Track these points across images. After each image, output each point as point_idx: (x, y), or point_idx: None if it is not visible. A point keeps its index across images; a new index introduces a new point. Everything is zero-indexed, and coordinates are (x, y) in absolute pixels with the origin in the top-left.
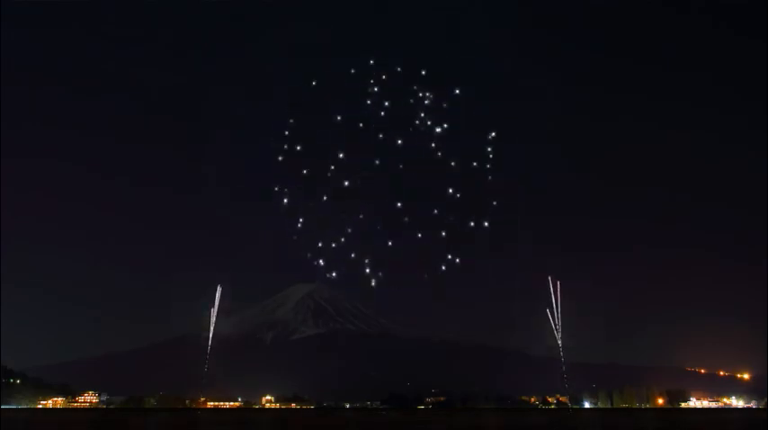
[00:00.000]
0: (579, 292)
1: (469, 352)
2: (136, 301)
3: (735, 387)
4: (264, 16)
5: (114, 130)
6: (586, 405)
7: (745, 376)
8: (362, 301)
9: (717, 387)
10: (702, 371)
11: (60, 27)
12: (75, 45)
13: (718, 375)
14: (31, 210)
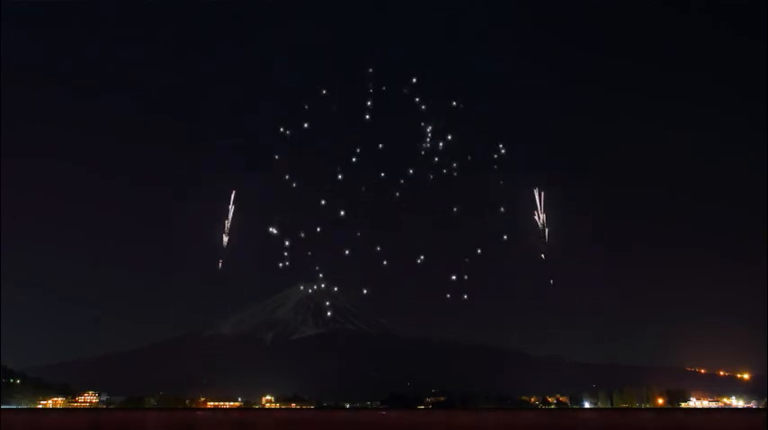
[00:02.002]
0: (578, 292)
1: (469, 352)
2: (136, 301)
3: (735, 387)
4: (264, 16)
5: (114, 130)
6: (586, 405)
7: (745, 376)
8: (362, 302)
9: (717, 387)
10: (702, 371)
11: (60, 27)
12: (75, 45)
13: (718, 375)
14: (31, 210)
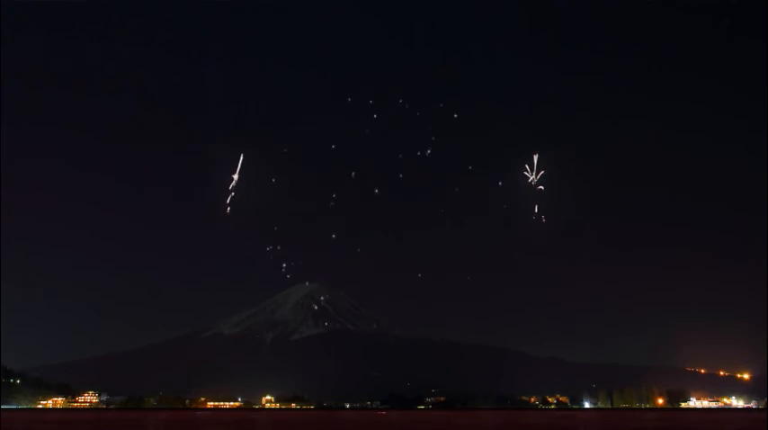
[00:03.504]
0: (578, 292)
1: (469, 352)
2: (136, 302)
3: (735, 387)
4: (264, 17)
5: (114, 130)
6: (586, 405)
7: (745, 376)
8: (362, 301)
9: (717, 387)
10: (702, 371)
11: (60, 28)
12: (75, 45)
13: (718, 375)
14: (30, 210)
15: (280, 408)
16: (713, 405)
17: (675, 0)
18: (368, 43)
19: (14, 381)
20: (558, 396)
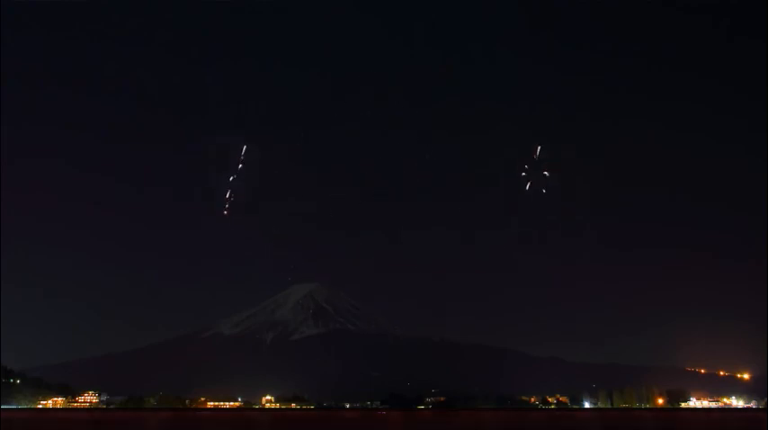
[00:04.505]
0: (578, 292)
1: (469, 352)
2: (136, 302)
3: (735, 387)
4: (264, 17)
5: (114, 130)
6: (586, 405)
7: (745, 376)
8: (362, 301)
9: (717, 387)
10: (702, 371)
11: (60, 28)
12: (75, 45)
13: (718, 375)
14: (30, 210)
15: (280, 408)
16: (713, 405)
17: (675, 0)
18: (368, 43)
19: (14, 381)
20: (558, 396)
